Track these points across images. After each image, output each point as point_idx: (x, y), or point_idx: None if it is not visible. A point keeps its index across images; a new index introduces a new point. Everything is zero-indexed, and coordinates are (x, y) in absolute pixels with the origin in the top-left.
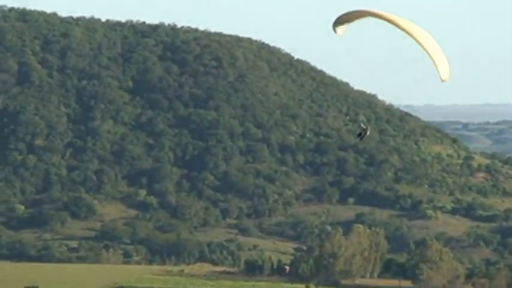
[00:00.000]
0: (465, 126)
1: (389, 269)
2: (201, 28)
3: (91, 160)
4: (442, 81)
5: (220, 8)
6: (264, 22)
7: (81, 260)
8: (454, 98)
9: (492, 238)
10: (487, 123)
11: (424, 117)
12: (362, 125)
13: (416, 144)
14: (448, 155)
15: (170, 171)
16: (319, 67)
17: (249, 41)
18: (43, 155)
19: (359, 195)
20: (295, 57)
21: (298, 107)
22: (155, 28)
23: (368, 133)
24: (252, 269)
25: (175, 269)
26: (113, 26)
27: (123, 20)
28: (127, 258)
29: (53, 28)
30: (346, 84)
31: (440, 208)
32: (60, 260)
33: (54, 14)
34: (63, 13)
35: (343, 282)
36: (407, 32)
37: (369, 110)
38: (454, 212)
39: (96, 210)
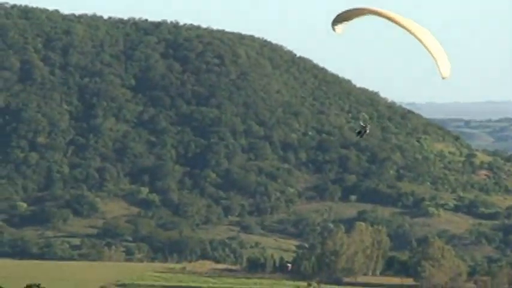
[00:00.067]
0: (467, 123)
1: (391, 266)
2: (204, 26)
3: (93, 158)
4: (443, 78)
5: (223, 5)
6: (267, 20)
7: (83, 257)
8: (456, 95)
9: (494, 236)
10: (489, 120)
11: (426, 114)
12: (361, 123)
13: (418, 141)
14: (450, 153)
15: (172, 168)
16: (321, 65)
17: (251, 38)
18: (45, 153)
19: (361, 193)
20: (298, 55)
21: (300, 104)
22: (157, 25)
23: (368, 131)
24: (254, 266)
25: (178, 266)
26: (115, 24)
27: (126, 18)
28: (129, 255)
29: (55, 25)
30: (349, 82)
31: (442, 206)
32: (62, 258)
33: (57, 12)
34: (65, 10)
35: (345, 279)
36: (406, 29)
37: (371, 108)
38: (456, 209)
39: (98, 207)
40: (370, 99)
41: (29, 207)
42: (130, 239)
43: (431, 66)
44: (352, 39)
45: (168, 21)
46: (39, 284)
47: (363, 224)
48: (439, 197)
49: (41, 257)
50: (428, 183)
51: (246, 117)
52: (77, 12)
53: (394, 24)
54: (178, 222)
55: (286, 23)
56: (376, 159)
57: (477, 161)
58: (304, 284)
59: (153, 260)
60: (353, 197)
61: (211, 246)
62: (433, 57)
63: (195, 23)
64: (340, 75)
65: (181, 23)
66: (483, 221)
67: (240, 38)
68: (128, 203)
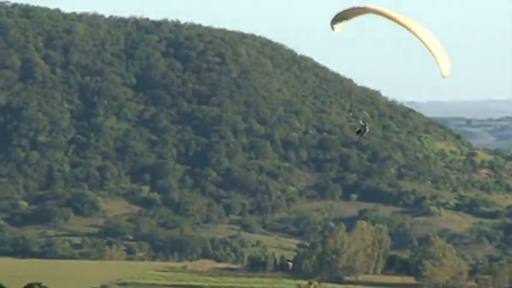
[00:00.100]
0: (468, 122)
1: (392, 265)
2: (205, 24)
3: (94, 156)
4: (443, 77)
5: (224, 4)
6: (267, 18)
7: (84, 256)
8: (458, 94)
9: (495, 234)
10: (490, 119)
11: (428, 113)
12: (361, 122)
13: (419, 140)
14: (451, 151)
15: (173, 167)
16: (322, 63)
17: (252, 37)
18: (46, 152)
19: (362, 192)
20: (299, 54)
21: (301, 103)
22: (158, 24)
23: (367, 130)
24: (255, 265)
25: (179, 265)
26: (116, 22)
27: (127, 16)
28: (130, 254)
29: (56, 24)
30: (350, 81)
31: (443, 204)
32: (63, 257)
33: (58, 10)
34: (66, 9)
35: (346, 278)
36: (406, 28)
37: (372, 106)
38: (457, 208)
39: (100, 206)
40: (371, 98)
41: (30, 206)
42: (131, 237)
43: (432, 64)
44: (353, 38)
45: (169, 20)
46: (41, 283)
47: (364, 222)
48: (440, 196)
49: (42, 256)
50: (429, 182)
51: (247, 115)
52: (78, 11)
53: (394, 23)
54: (179, 221)
55: (287, 21)
56: (377, 158)
57: (478, 160)
58: (305, 282)
59: (154, 258)
60: (354, 196)
61: (212, 245)
62: (433, 55)
63: (196, 22)
64: (341, 74)
65: (182, 22)
66: (484, 220)
67: (241, 36)
68: (128, 201)
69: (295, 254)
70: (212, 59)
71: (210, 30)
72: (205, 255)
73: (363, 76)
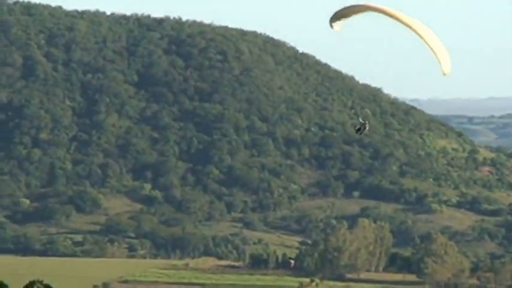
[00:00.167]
0: (470, 120)
1: (394, 263)
2: (206, 22)
3: (96, 154)
4: (444, 75)
5: (225, 1)
6: (269, 16)
7: (86, 253)
8: (459, 91)
9: (497, 232)
10: (492, 117)
11: (429, 111)
12: (361, 119)
13: (421, 138)
14: (453, 149)
15: (175, 165)
16: (324, 61)
17: (254, 34)
18: (48, 149)
19: (364, 189)
20: (300, 51)
21: (303, 100)
22: (160, 22)
23: (367, 128)
24: (257, 263)
25: (180, 263)
26: (118, 20)
27: (128, 14)
28: (132, 252)
29: (57, 22)
30: (351, 78)
31: (445, 202)
32: (65, 254)
33: (59, 8)
34: (68, 6)
35: (348, 276)
36: (407, 25)
37: (374, 104)
38: (459, 205)
39: (101, 204)
40: (373, 95)
41: (31, 203)
42: (133, 235)
43: (434, 62)
44: (355, 36)
45: (171, 17)
46: (42, 281)
47: (365, 220)
48: (441, 193)
49: (43, 253)
50: (431, 180)
51: (249, 113)
52: (80, 8)
53: (395, 21)
54: (181, 218)
55: (289, 19)
56: (379, 155)
57: (480, 157)
58: (307, 280)
59: (155, 256)
60: (356, 193)
61: (214, 242)
62: (434, 53)
63: (198, 19)
64: (343, 71)
65: (184, 19)
66: (486, 217)
67: (243, 34)
68: (130, 199)
69: (297, 251)
70: (214, 57)
71: (212, 27)
72: (207, 253)
73: (364, 74)
